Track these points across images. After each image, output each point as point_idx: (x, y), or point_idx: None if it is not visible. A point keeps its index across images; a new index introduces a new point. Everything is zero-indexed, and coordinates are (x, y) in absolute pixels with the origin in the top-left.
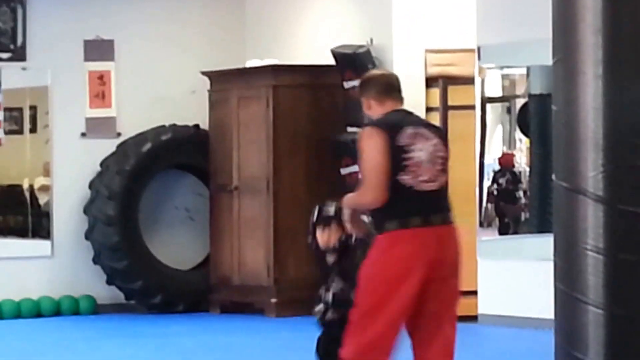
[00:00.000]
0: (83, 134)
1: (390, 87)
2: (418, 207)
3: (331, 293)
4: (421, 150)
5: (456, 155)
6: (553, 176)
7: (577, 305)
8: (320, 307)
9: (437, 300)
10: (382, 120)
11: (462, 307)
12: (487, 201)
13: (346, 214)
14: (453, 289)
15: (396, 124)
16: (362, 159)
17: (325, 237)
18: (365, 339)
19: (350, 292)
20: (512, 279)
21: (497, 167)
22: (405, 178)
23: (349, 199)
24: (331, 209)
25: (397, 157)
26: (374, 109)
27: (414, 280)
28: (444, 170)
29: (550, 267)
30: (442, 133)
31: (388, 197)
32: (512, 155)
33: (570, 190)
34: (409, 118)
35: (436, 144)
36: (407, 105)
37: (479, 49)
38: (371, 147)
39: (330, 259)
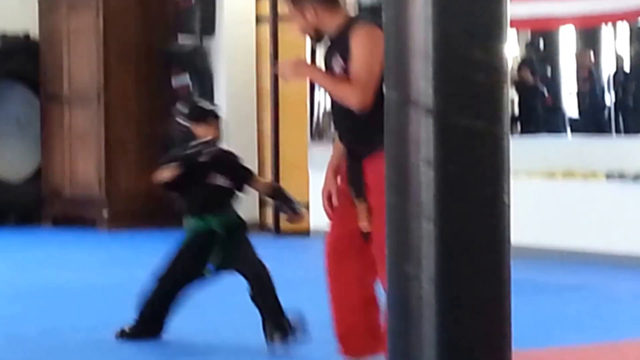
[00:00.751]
0: None
1: None
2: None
3: None
4: None
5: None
6: (384, 88)
7: (408, 218)
8: None
9: None
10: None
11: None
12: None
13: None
14: None
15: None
16: (364, 59)
17: (202, 132)
18: None
19: None
20: None
21: None
22: None
23: (327, 76)
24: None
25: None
26: (323, 19)
27: None
28: None
29: None
30: None
31: (373, 108)
32: None
33: (401, 103)
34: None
35: None
36: (238, 15)
37: None
38: (379, 52)
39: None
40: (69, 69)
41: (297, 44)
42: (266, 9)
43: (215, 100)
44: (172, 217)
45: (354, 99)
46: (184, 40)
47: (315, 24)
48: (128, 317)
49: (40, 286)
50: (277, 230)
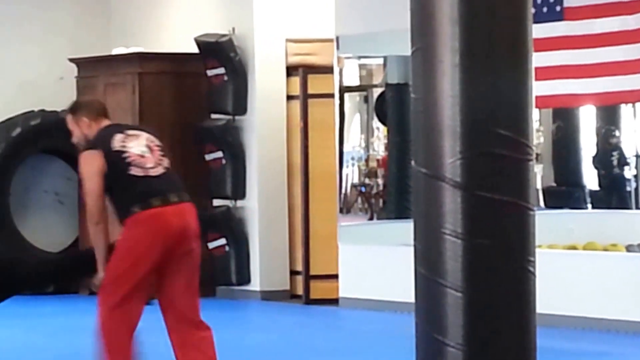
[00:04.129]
0: None
1: (103, 109)
2: (154, 190)
3: None
4: (137, 146)
5: (317, 143)
6: (412, 163)
7: (437, 288)
8: None
9: (184, 268)
10: (95, 140)
11: (323, 290)
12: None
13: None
14: (196, 258)
15: (107, 136)
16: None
17: None
18: (115, 300)
19: None
20: (372, 263)
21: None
22: (135, 170)
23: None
24: None
25: (119, 159)
26: (92, 128)
27: (162, 253)
28: (165, 155)
29: (408, 251)
30: (148, 129)
31: (126, 188)
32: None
33: (429, 177)
34: (117, 128)
35: (147, 137)
36: (270, 93)
37: (337, 38)
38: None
39: None
40: None
41: (327, 120)
42: (296, 87)
43: (247, 175)
44: (205, 287)
45: (88, 220)
46: (217, 117)
47: (85, 135)
48: None
49: (76, 352)
50: (307, 299)
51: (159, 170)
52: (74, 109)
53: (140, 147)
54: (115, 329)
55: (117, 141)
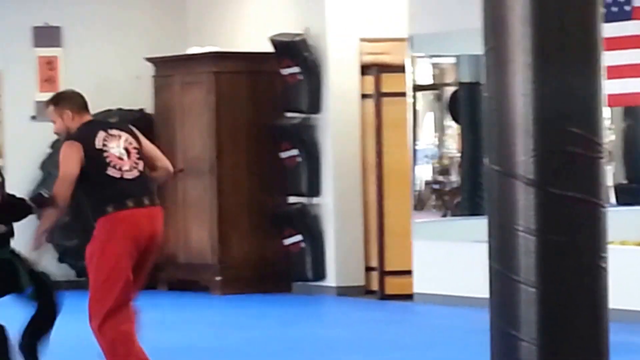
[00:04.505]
0: (33, 117)
1: (85, 103)
2: (128, 192)
3: None
4: (116, 147)
5: (390, 141)
6: (486, 160)
7: (511, 284)
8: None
9: (145, 267)
10: (79, 134)
11: (398, 286)
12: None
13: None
14: (154, 259)
15: (90, 133)
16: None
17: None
18: (108, 306)
19: None
20: (445, 259)
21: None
22: (112, 171)
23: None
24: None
25: (99, 158)
26: (74, 121)
27: (135, 252)
28: (141, 158)
29: (480, 247)
30: (130, 129)
31: (102, 187)
32: None
33: (502, 174)
34: (100, 125)
35: (127, 138)
36: (343, 92)
37: (410, 38)
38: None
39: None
40: (182, 143)
41: (400, 118)
42: (370, 86)
43: (322, 173)
44: (281, 283)
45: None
46: (291, 115)
47: (68, 127)
48: None
49: (153, 348)
50: (382, 294)
51: (134, 174)
52: (58, 100)
53: (119, 149)
54: (119, 332)
55: (99, 139)
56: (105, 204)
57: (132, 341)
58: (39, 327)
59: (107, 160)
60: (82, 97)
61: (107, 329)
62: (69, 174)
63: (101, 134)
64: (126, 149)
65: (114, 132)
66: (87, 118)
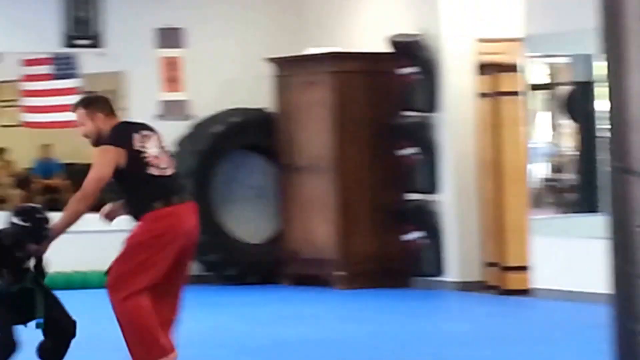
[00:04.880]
0: (158, 116)
1: (113, 106)
2: (171, 188)
3: None
4: (152, 147)
5: (506, 139)
6: (608, 158)
7: (632, 280)
8: None
9: (188, 259)
10: (116, 137)
11: (517, 281)
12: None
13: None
14: (193, 253)
15: (127, 135)
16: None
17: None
18: (141, 286)
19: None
20: (563, 255)
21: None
22: (153, 170)
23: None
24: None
25: (140, 158)
26: (105, 123)
27: (176, 245)
28: (172, 156)
29: (598, 244)
30: (154, 129)
31: (146, 185)
32: None
33: (624, 172)
34: (132, 127)
35: (157, 138)
36: (460, 91)
37: (526, 38)
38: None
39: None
40: (302, 141)
41: (516, 117)
42: (486, 85)
43: (441, 170)
44: (401, 278)
45: (79, 194)
46: (410, 114)
47: (99, 129)
48: None
49: (279, 340)
50: (502, 290)
51: (171, 171)
52: (88, 104)
53: (155, 149)
54: (145, 311)
55: (137, 141)
56: (152, 200)
57: (151, 317)
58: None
59: (147, 159)
60: (109, 100)
61: (131, 301)
62: (103, 176)
63: (136, 136)
64: (160, 148)
65: (145, 132)
66: (117, 120)
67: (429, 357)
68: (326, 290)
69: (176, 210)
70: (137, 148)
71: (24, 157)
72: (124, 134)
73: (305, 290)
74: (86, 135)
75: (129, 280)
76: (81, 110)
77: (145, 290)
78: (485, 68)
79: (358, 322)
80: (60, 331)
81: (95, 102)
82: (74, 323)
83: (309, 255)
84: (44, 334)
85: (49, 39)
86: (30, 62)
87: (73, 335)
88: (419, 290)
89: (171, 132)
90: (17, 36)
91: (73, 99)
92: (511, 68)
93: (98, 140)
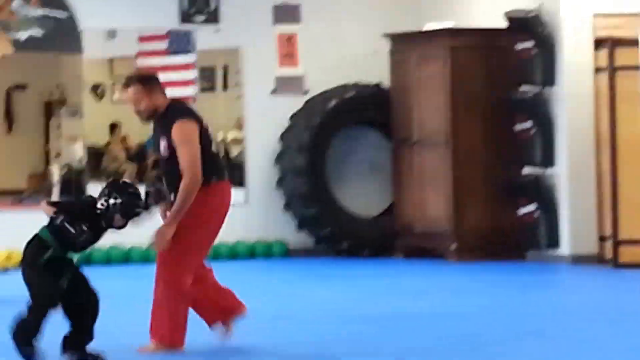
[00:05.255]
0: (273, 91)
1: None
2: (223, 165)
3: None
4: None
5: (624, 114)
6: None
7: None
8: None
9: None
10: (190, 113)
11: (632, 254)
12: None
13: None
14: None
15: (195, 112)
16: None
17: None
18: (196, 263)
19: None
20: None
21: None
22: (214, 146)
23: (174, 210)
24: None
25: (209, 135)
26: (162, 99)
27: (223, 220)
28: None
29: None
30: None
31: (209, 159)
32: None
33: None
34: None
35: None
36: (577, 66)
37: None
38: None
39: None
40: (418, 116)
41: (634, 91)
42: (603, 60)
43: (556, 144)
44: (515, 251)
45: (188, 179)
46: (526, 89)
47: (156, 105)
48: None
49: (392, 313)
50: (616, 262)
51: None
52: (144, 80)
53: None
54: (186, 298)
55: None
56: (211, 174)
57: (187, 306)
58: (72, 343)
59: (211, 137)
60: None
61: (177, 284)
62: (197, 154)
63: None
64: None
65: None
66: (167, 98)
67: (543, 330)
68: (439, 263)
69: (228, 185)
70: (205, 125)
71: (137, 132)
72: (193, 111)
73: (418, 263)
74: (139, 112)
75: (191, 259)
76: (138, 87)
77: (196, 268)
78: (603, 43)
79: (471, 294)
80: (79, 308)
81: (150, 79)
82: (96, 299)
83: (422, 229)
84: (66, 315)
85: (165, 15)
86: (145, 39)
87: (95, 312)
88: (533, 263)
89: (286, 106)
90: (134, 12)
91: (189, 74)
92: (629, 42)
93: (152, 117)
